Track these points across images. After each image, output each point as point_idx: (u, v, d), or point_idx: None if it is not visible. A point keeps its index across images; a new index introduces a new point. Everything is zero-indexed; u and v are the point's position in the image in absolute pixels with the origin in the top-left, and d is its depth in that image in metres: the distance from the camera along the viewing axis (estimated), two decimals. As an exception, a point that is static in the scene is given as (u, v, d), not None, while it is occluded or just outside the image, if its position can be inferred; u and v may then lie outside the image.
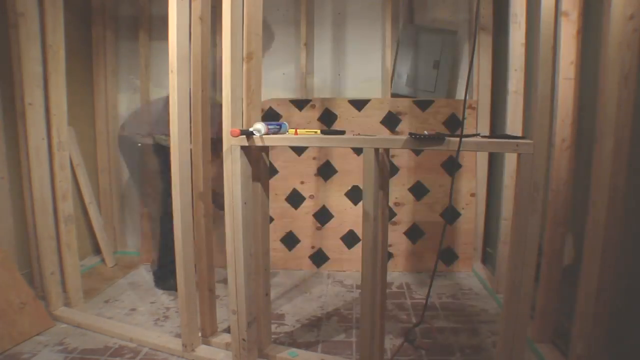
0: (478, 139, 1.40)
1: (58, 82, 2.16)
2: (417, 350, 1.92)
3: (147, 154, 2.54)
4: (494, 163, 2.85)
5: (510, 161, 2.38)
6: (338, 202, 2.96)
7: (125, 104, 3.24)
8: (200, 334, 1.94)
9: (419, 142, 1.41)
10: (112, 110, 3.19)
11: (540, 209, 1.31)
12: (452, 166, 2.89)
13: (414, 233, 2.94)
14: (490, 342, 1.99)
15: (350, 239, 2.97)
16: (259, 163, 1.73)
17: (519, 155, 1.32)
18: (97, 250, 3.11)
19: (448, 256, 2.94)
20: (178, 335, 2.01)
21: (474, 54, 2.59)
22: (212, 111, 1.97)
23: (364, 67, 3.07)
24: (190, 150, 1.83)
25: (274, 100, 2.98)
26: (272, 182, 2.95)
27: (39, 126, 2.13)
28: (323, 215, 2.97)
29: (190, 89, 1.79)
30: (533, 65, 1.36)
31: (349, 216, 2.96)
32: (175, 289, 2.49)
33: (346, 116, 2.94)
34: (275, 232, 2.99)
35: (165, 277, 2.57)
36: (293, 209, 2.98)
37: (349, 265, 2.97)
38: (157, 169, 2.48)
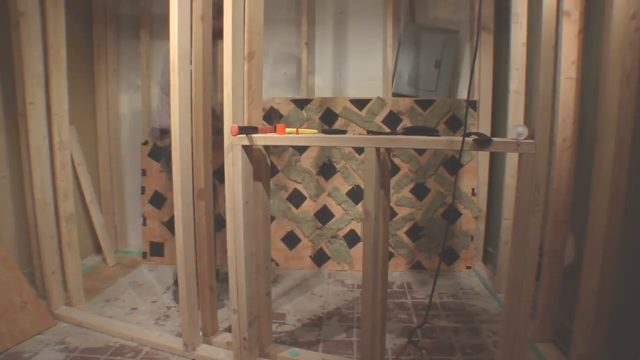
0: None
1: (59, 81, 2.17)
2: (419, 350, 1.92)
3: None
4: (495, 162, 2.85)
5: (511, 161, 2.38)
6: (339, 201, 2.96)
7: (127, 102, 3.24)
8: (201, 333, 1.95)
9: (421, 141, 1.41)
10: (114, 110, 3.20)
11: (541, 208, 1.31)
12: (453, 166, 2.89)
13: (414, 232, 2.94)
14: (491, 341, 1.99)
15: (351, 238, 2.97)
16: (260, 162, 1.73)
17: (520, 154, 1.32)
18: (98, 250, 3.11)
19: (449, 256, 2.94)
20: (179, 335, 2.01)
21: (476, 53, 2.58)
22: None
23: (365, 67, 3.07)
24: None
25: (275, 100, 2.98)
26: (273, 181, 2.96)
27: (40, 125, 2.13)
28: (324, 215, 2.97)
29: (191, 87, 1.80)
30: (534, 65, 1.36)
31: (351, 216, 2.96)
32: None
33: (347, 115, 2.94)
34: (277, 232, 2.99)
35: None
36: (294, 208, 2.98)
37: (349, 264, 2.97)
38: None
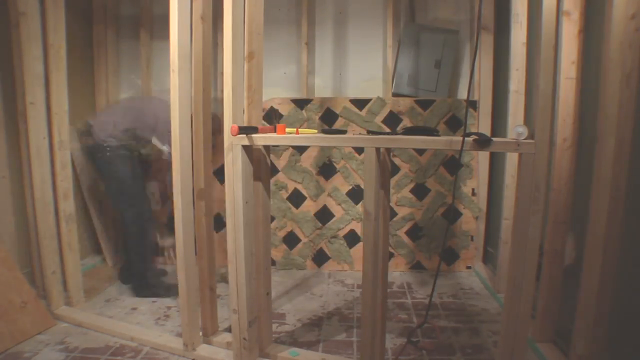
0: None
1: (59, 81, 2.17)
2: (419, 350, 1.92)
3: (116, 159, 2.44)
4: (495, 162, 2.85)
5: (511, 161, 2.38)
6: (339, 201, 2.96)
7: (127, 103, 3.24)
8: (201, 333, 1.95)
9: (421, 141, 1.41)
10: (113, 110, 3.20)
11: (541, 208, 1.31)
12: (453, 166, 2.89)
13: (414, 232, 2.94)
14: (491, 341, 1.99)
15: (351, 238, 2.97)
16: (260, 162, 1.73)
17: (520, 154, 1.32)
18: (98, 250, 3.11)
19: (449, 256, 2.94)
20: (179, 335, 2.01)
21: (476, 53, 2.59)
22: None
23: (365, 67, 3.07)
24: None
25: (275, 100, 2.98)
26: (273, 181, 2.96)
27: (40, 125, 2.13)
28: (324, 215, 2.97)
29: (191, 88, 1.80)
30: (534, 65, 1.36)
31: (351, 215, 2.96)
32: (154, 295, 2.46)
33: (347, 115, 2.94)
34: (277, 232, 2.99)
35: (146, 285, 2.51)
36: (294, 208, 2.98)
37: (349, 264, 2.97)
38: (129, 173, 2.44)
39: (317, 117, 2.95)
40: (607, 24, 1.47)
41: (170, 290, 2.48)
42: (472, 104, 2.89)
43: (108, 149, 2.42)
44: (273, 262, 2.99)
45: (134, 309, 2.34)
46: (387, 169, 1.58)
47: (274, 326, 2.11)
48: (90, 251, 3.14)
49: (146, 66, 3.14)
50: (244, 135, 1.61)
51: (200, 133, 1.87)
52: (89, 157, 2.54)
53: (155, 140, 2.49)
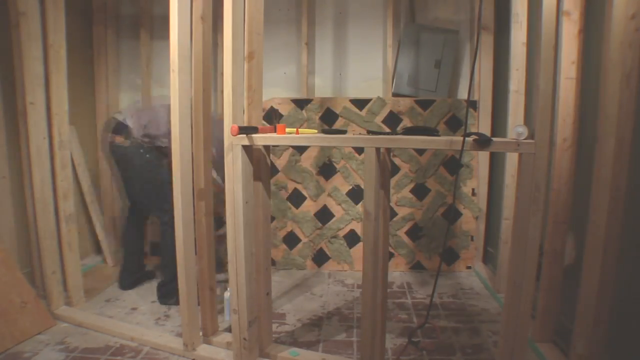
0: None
1: (59, 81, 2.17)
2: (419, 350, 1.92)
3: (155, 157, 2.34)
4: (495, 162, 2.85)
5: (511, 161, 2.38)
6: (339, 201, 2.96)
7: (127, 103, 3.24)
8: (201, 333, 1.95)
9: (422, 141, 1.41)
10: (114, 110, 3.19)
11: (541, 208, 1.31)
12: (453, 166, 2.89)
13: (414, 232, 2.94)
14: (491, 341, 1.99)
15: (351, 238, 2.97)
16: (260, 162, 1.73)
17: (520, 154, 1.32)
18: (98, 250, 3.11)
19: (449, 256, 2.94)
20: (179, 335, 2.01)
21: (477, 53, 2.57)
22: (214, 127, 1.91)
23: (365, 67, 3.07)
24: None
25: (275, 100, 2.98)
26: (273, 181, 2.96)
27: (40, 125, 2.13)
28: (324, 215, 2.97)
29: (191, 88, 1.80)
30: (534, 65, 1.36)
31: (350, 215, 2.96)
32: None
33: (347, 115, 2.94)
34: (277, 232, 2.99)
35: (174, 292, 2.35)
36: (294, 208, 2.98)
37: (349, 264, 2.97)
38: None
39: (317, 117, 2.95)
40: (607, 24, 1.47)
41: None
42: (472, 104, 2.89)
43: (147, 149, 2.34)
44: (273, 262, 3.00)
45: (134, 309, 2.34)
46: (387, 169, 1.58)
47: (274, 326, 2.11)
48: (90, 251, 3.14)
49: (146, 66, 3.14)
50: (244, 135, 1.61)
51: (200, 133, 1.87)
52: (121, 155, 2.39)
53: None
